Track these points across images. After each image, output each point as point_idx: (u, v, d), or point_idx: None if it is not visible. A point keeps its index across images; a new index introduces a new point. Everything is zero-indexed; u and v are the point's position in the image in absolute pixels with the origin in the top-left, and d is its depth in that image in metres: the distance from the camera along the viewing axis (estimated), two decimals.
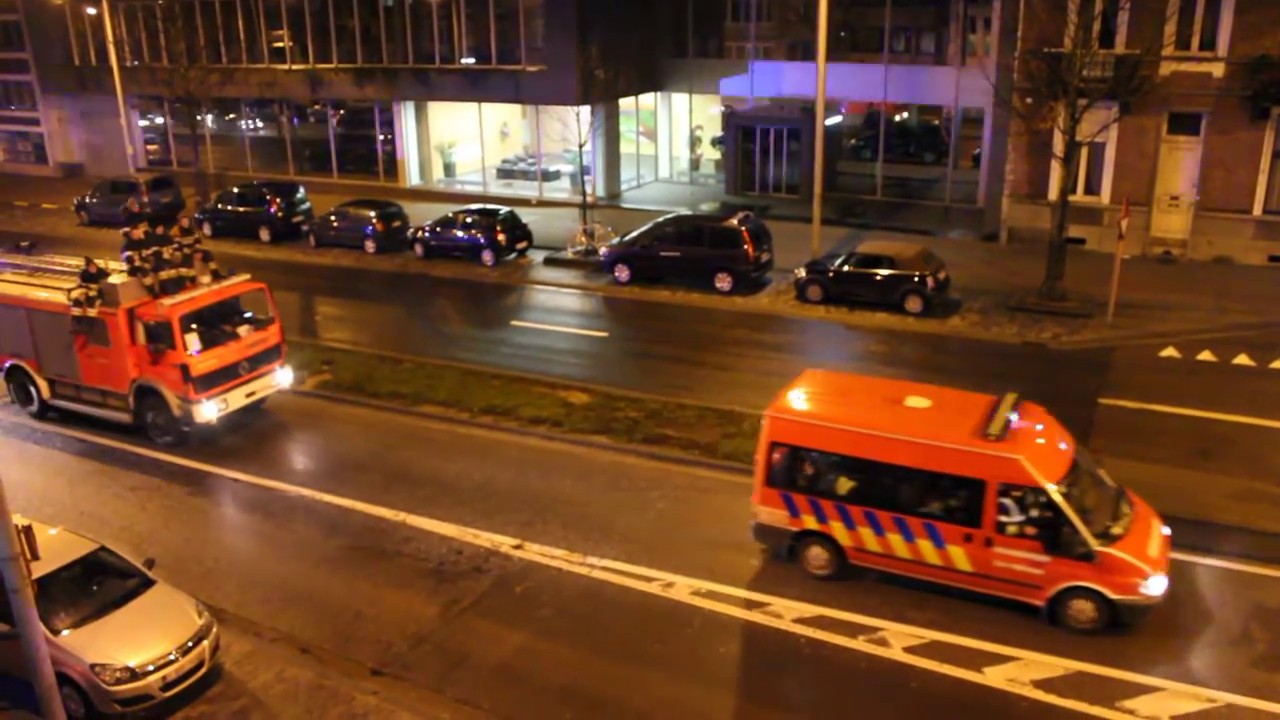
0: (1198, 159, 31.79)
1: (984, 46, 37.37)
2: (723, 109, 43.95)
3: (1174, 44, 30.04)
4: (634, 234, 32.27)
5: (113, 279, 21.62)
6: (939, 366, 24.76)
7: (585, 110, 37.03)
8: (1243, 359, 24.37)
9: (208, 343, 21.58)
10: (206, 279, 22.36)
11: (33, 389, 23.39)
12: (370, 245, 36.52)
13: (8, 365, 23.50)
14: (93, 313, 21.55)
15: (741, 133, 42.68)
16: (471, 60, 42.76)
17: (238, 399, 22.12)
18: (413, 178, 46.40)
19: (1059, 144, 28.49)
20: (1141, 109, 31.12)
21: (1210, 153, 31.56)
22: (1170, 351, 25.05)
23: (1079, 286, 28.39)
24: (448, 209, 37.28)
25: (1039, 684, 13.77)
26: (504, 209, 36.25)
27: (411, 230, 36.37)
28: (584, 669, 14.68)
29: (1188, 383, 23.31)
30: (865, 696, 13.92)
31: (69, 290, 21.90)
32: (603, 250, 33.02)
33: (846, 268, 28.93)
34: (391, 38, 43.85)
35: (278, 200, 38.98)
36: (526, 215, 37.34)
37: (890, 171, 41.86)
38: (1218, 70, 30.81)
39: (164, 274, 21.70)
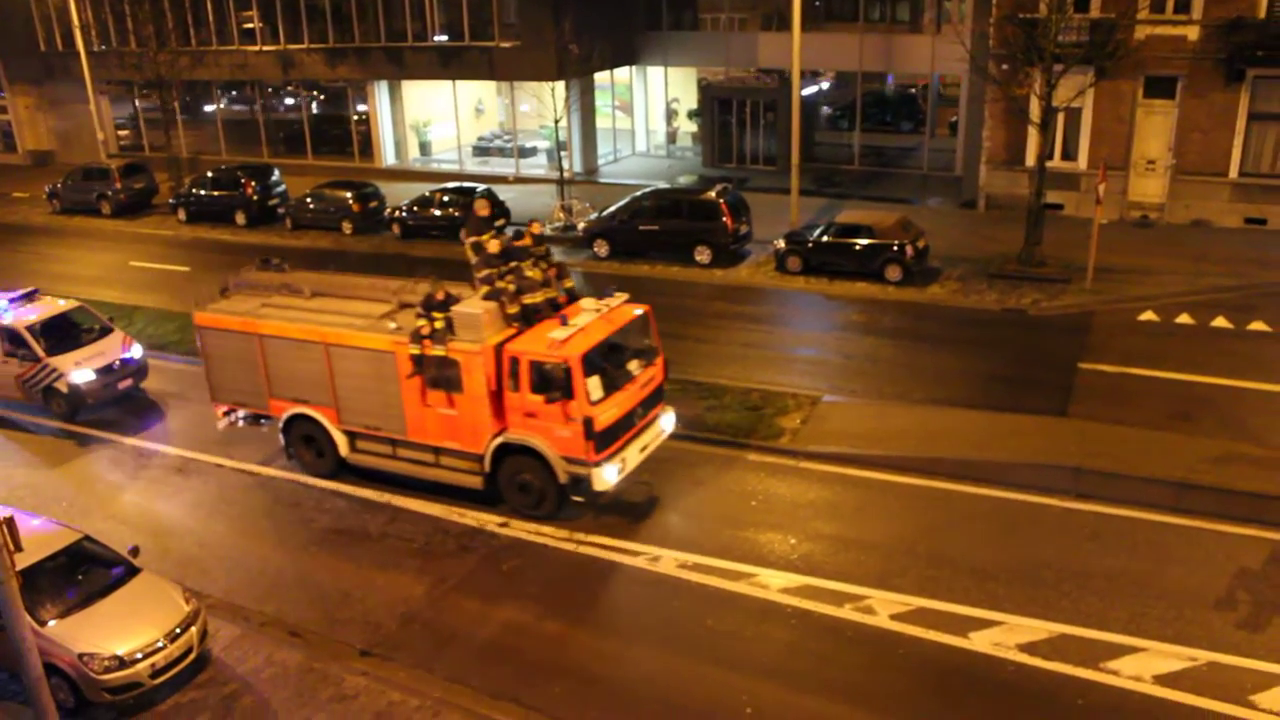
0: (1174, 123, 31.84)
1: (959, 13, 37.30)
2: (699, 81, 43.79)
3: (1149, 7, 29.97)
4: (612, 209, 32.16)
5: (466, 306, 17.15)
6: (919, 334, 24.84)
7: (560, 85, 36.83)
8: (1220, 321, 24.49)
9: (606, 388, 16.92)
10: (560, 299, 18.03)
11: (324, 443, 19.19)
12: (348, 226, 36.31)
13: (288, 414, 19.35)
14: (441, 351, 17.04)
15: (718, 105, 42.56)
16: (445, 37, 42.44)
17: (634, 456, 17.47)
18: (388, 157, 46.08)
19: (1035, 110, 28.48)
20: (1117, 73, 31.12)
21: (1186, 116, 31.61)
22: (1149, 315, 25.17)
23: (1058, 252, 28.46)
24: (424, 188, 37.06)
25: (1023, 647, 13.88)
26: (481, 186, 36.10)
27: (388, 210, 36.17)
28: (573, 644, 14.73)
29: (1167, 346, 23.42)
30: (853, 664, 14.00)
31: (407, 325, 17.51)
32: (581, 226, 32.91)
33: (825, 238, 28.92)
34: (363, 16, 43.42)
35: (252, 184, 38.66)
36: (504, 192, 37.17)
37: (868, 141, 41.83)
38: (1192, 33, 30.83)
39: (528, 298, 17.43)
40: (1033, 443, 18.89)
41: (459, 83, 44.36)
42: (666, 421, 18.61)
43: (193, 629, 14.17)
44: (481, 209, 19.75)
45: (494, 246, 17.74)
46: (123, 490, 19.84)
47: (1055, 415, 20.17)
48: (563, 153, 38.45)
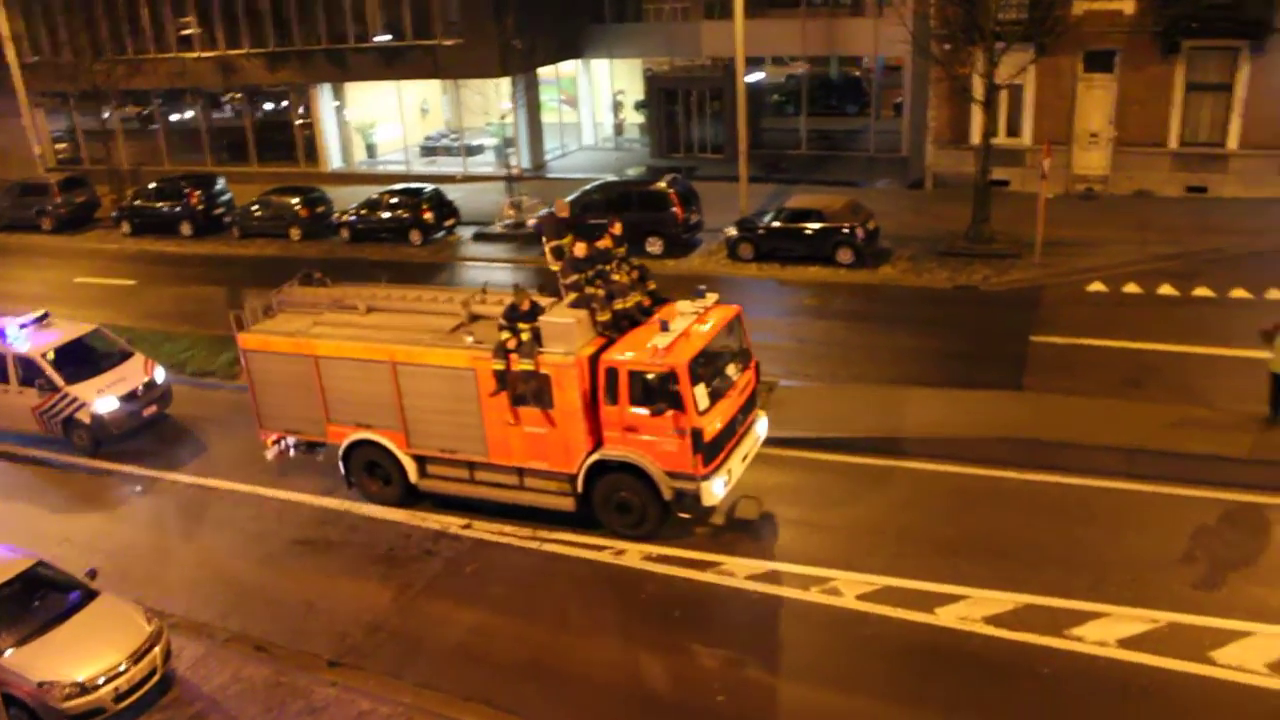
0: (1114, 96, 32.21)
1: None
2: (644, 72, 43.74)
3: None
4: None
5: (555, 316, 15.90)
6: (873, 315, 25.00)
7: (505, 82, 36.66)
8: (1166, 289, 24.84)
9: (711, 396, 15.67)
10: (645, 303, 16.85)
11: (391, 470, 17.87)
12: (295, 232, 35.94)
13: (350, 441, 17.94)
14: (529, 365, 15.71)
15: (664, 95, 42.54)
16: (387, 37, 42.03)
17: (737, 467, 16.38)
18: (334, 161, 45.67)
19: (979, 88, 28.71)
20: (1057, 49, 31.39)
21: (1125, 89, 31.99)
22: (1097, 286, 25.46)
23: (1006, 228, 28.72)
24: (372, 191, 36.76)
25: (989, 620, 14.00)
26: (429, 187, 35.86)
27: (337, 214, 35.85)
28: (542, 643, 14.68)
29: (1116, 315, 23.72)
30: (822, 646, 14.07)
31: (486, 338, 16.38)
32: (531, 222, 32.77)
33: (776, 224, 29.00)
34: (303, 19, 42.94)
35: (197, 193, 38.17)
36: (452, 192, 36.93)
37: (814, 125, 41.98)
38: (1128, 7, 31.20)
39: (619, 303, 16.29)
40: (989, 417, 19.06)
41: (403, 83, 44.03)
42: (761, 427, 17.47)
43: (156, 649, 13.96)
44: (562, 210, 18.37)
45: (580, 250, 16.52)
46: (77, 512, 19.54)
47: (1010, 389, 20.37)
48: (510, 149, 38.29)
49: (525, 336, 15.69)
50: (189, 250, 36.36)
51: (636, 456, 15.72)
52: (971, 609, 14.26)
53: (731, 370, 16.52)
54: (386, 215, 34.60)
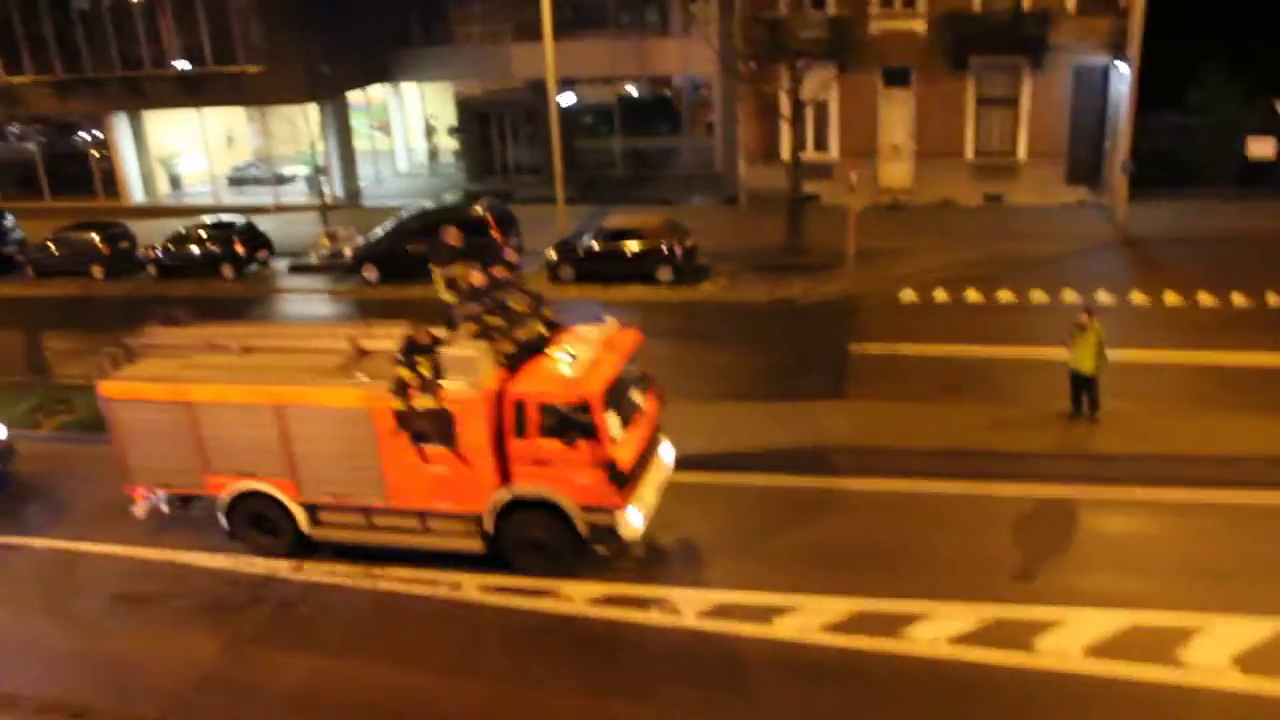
0: (912, 110, 33.70)
1: (705, 15, 38.32)
2: (456, 96, 43.44)
3: (879, 3, 31.68)
4: (378, 232, 31.50)
5: (456, 349, 15.06)
6: (696, 332, 25.40)
7: (313, 108, 35.81)
8: (973, 294, 26.10)
9: (623, 425, 15.41)
10: (544, 331, 16.27)
11: (280, 521, 16.67)
12: (98, 270, 34.20)
13: (232, 492, 16.64)
14: (431, 402, 14.93)
15: (477, 119, 42.35)
16: (186, 63, 40.47)
17: (649, 495, 15.94)
18: (136, 194, 43.75)
19: (786, 105, 29.60)
20: (857, 66, 32.73)
21: (922, 103, 33.52)
22: (909, 294, 26.53)
23: (819, 241, 29.64)
24: (179, 224, 35.33)
25: (826, 628, 14.29)
26: (240, 219, 34.72)
27: (142, 250, 34.29)
28: (381, 683, 14.29)
29: (928, 322, 24.76)
30: (659, 670, 14.13)
31: (377, 374, 15.41)
32: (348, 252, 32.09)
33: (595, 245, 29.19)
34: (93, 44, 40.97)
35: None
36: (265, 223, 35.83)
37: (628, 145, 42.48)
38: (919, 26, 32.73)
39: (520, 333, 15.76)
40: (814, 427, 19.59)
41: (206, 110, 42.52)
42: (667, 453, 17.04)
43: None
44: (452, 237, 17.02)
45: (477, 279, 15.76)
46: None
47: (832, 398, 20.99)
48: (322, 178, 37.41)
49: (425, 371, 14.82)
50: None
51: (549, 491, 15.12)
52: (808, 619, 14.54)
53: (637, 396, 16.23)
54: (196, 249, 33.29)
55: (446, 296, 16.29)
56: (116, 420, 16.97)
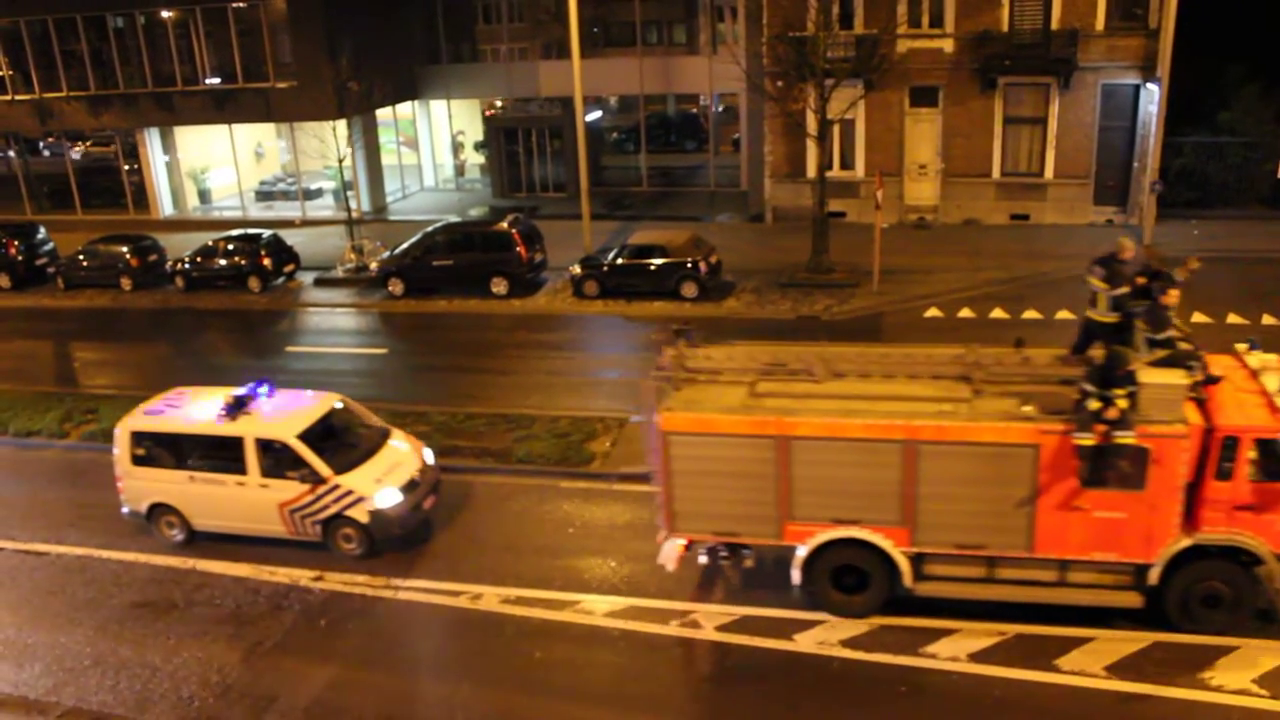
0: (939, 129, 33.66)
1: (733, 34, 38.46)
2: (484, 112, 43.72)
3: (907, 23, 31.70)
4: (404, 246, 31.66)
5: (1156, 377, 13.24)
6: None
7: (342, 124, 36.10)
8: (998, 312, 25.98)
9: None
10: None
11: (875, 573, 14.48)
12: (127, 282, 34.53)
13: (818, 541, 14.42)
14: (1129, 438, 13.01)
15: (504, 135, 42.57)
16: (217, 80, 40.95)
17: None
18: (166, 208, 44.14)
19: (812, 123, 29.62)
20: (884, 85, 32.71)
21: (949, 123, 33.47)
22: (934, 312, 26.44)
23: (844, 258, 29.60)
24: (207, 237, 35.60)
25: (846, 643, 14.26)
26: (267, 232, 34.93)
27: (170, 263, 34.58)
28: (401, 693, 14.32)
29: (953, 340, 24.50)
30: (684, 679, 14.10)
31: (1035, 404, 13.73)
32: (374, 265, 32.29)
33: (620, 260, 29.23)
34: (126, 61, 41.47)
35: (15, 243, 36.18)
36: (291, 237, 36.09)
37: (654, 161, 42.64)
38: (948, 46, 32.70)
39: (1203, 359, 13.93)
40: None
41: (236, 126, 42.91)
42: None
43: None
44: (1126, 251, 15.21)
45: (1173, 298, 14.14)
46: None
47: None
48: (349, 192, 37.68)
49: (1122, 404, 12.96)
50: (10, 303, 34.51)
51: (1246, 539, 13.36)
52: (828, 633, 14.49)
53: None
54: (223, 262, 33.54)
55: (1104, 317, 15.02)
56: (672, 458, 14.54)
